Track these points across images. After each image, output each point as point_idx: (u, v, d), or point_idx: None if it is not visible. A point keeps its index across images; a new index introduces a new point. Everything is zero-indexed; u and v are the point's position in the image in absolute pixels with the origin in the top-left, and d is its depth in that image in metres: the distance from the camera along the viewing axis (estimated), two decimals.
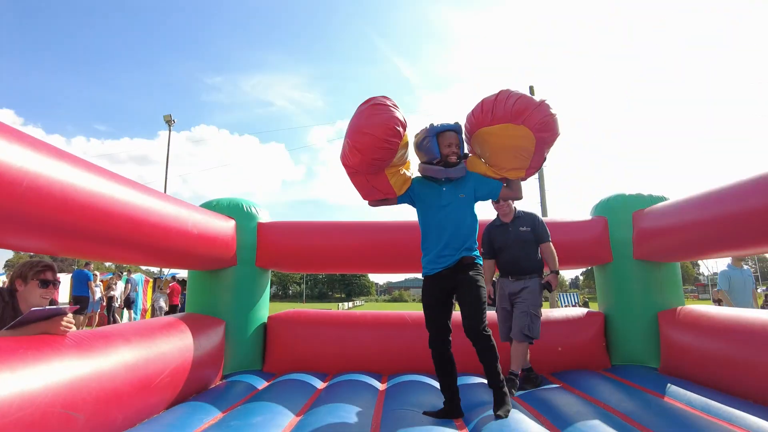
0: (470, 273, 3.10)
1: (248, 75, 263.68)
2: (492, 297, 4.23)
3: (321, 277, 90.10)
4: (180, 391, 3.45)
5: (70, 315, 2.61)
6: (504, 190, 3.32)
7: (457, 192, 3.22)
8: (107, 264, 21.58)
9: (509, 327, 4.16)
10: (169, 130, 26.78)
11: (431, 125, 3.24)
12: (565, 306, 23.72)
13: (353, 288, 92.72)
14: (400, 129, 2.85)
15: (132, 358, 2.92)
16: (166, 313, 13.81)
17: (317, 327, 4.93)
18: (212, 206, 4.74)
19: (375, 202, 3.34)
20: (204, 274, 4.75)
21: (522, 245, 4.21)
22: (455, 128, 3.23)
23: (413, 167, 3.43)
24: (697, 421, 2.81)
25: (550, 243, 4.21)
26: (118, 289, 14.23)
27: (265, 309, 5.07)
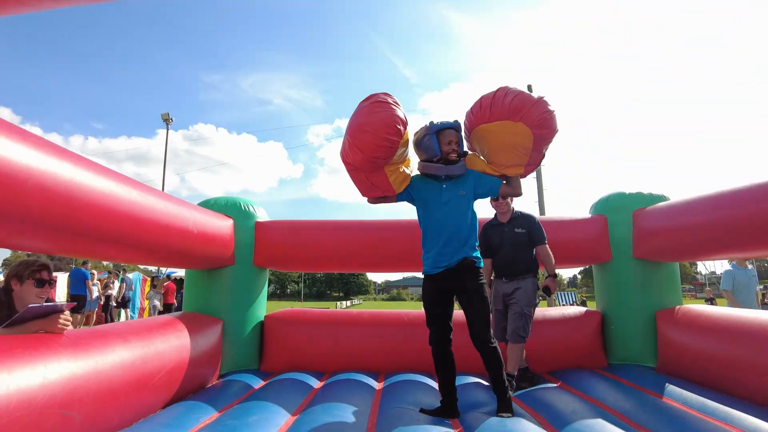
0: (474, 281, 3.10)
1: (246, 73, 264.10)
2: None
3: (319, 275, 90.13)
4: (177, 390, 3.44)
5: (67, 312, 2.61)
6: (503, 188, 3.33)
7: (457, 189, 3.23)
8: (104, 263, 21.55)
9: (504, 327, 4.16)
10: (167, 129, 26.75)
11: (431, 123, 3.25)
12: (563, 305, 23.74)
13: (351, 287, 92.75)
14: (401, 127, 2.85)
15: (129, 357, 2.92)
16: (161, 312, 13.79)
17: (314, 326, 4.92)
18: (210, 205, 4.73)
19: (374, 200, 3.34)
20: (201, 273, 4.74)
21: (516, 246, 4.19)
22: (455, 126, 3.25)
23: (413, 165, 3.43)
24: (693, 420, 2.82)
25: (547, 246, 4.18)
26: (116, 288, 14.20)
27: (263, 308, 5.06)
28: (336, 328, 4.92)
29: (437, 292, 3.19)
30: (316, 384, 4.16)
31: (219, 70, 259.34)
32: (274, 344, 4.84)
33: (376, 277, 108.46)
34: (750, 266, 6.26)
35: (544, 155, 3.22)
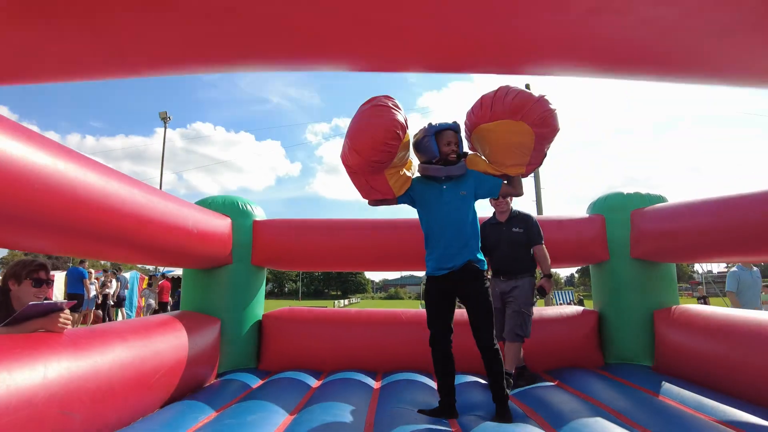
0: (479, 285, 3.10)
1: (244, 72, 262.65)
2: None
3: (317, 274, 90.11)
4: (175, 389, 3.44)
5: (67, 311, 2.61)
6: (504, 187, 3.32)
7: (458, 190, 3.22)
8: (102, 261, 21.48)
9: (501, 326, 4.17)
10: (165, 127, 26.67)
11: (429, 124, 3.24)
12: (560, 304, 23.78)
13: (349, 285, 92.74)
14: (400, 132, 2.84)
15: (128, 356, 2.92)
16: (156, 311, 13.80)
17: (312, 325, 4.92)
18: (208, 204, 4.72)
19: (374, 202, 3.33)
20: (199, 273, 4.74)
21: (513, 245, 4.20)
22: (454, 127, 3.24)
23: (415, 167, 3.42)
24: (689, 419, 2.83)
25: (543, 246, 4.18)
26: (113, 287, 14.18)
27: (260, 307, 5.06)
28: (334, 327, 4.93)
29: (440, 294, 3.18)
30: (314, 383, 4.17)
31: None
32: (272, 343, 4.84)
33: (374, 276, 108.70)
34: (755, 268, 6.23)
35: (545, 154, 3.20)
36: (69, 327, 2.62)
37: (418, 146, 3.25)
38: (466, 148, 3.38)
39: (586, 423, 2.77)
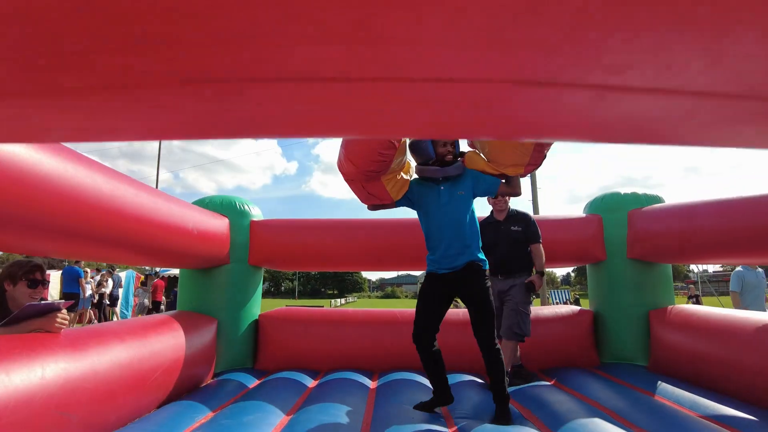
0: (481, 285, 3.08)
1: None
2: None
3: (314, 273, 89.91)
4: (172, 389, 3.44)
5: (64, 311, 2.61)
6: (503, 187, 3.30)
7: (455, 190, 3.21)
8: (102, 262, 21.40)
9: (499, 324, 4.18)
10: None
11: None
12: (556, 303, 23.86)
13: (346, 284, 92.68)
14: (395, 141, 2.81)
15: (126, 356, 2.92)
16: (150, 310, 13.78)
17: (308, 325, 4.92)
18: (205, 204, 4.72)
19: (373, 207, 3.32)
20: (196, 272, 4.73)
21: (512, 244, 4.22)
22: None
23: (413, 169, 3.41)
24: (684, 418, 2.85)
25: (540, 245, 4.21)
26: (110, 286, 14.14)
27: (257, 307, 5.06)
28: (330, 326, 4.93)
29: (438, 292, 3.17)
30: (311, 383, 4.17)
31: None
32: (269, 343, 4.84)
33: (371, 275, 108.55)
34: (760, 269, 6.15)
35: (545, 155, 3.16)
36: (66, 327, 2.62)
37: (414, 148, 3.23)
38: (465, 146, 3.37)
39: (583, 423, 2.79)
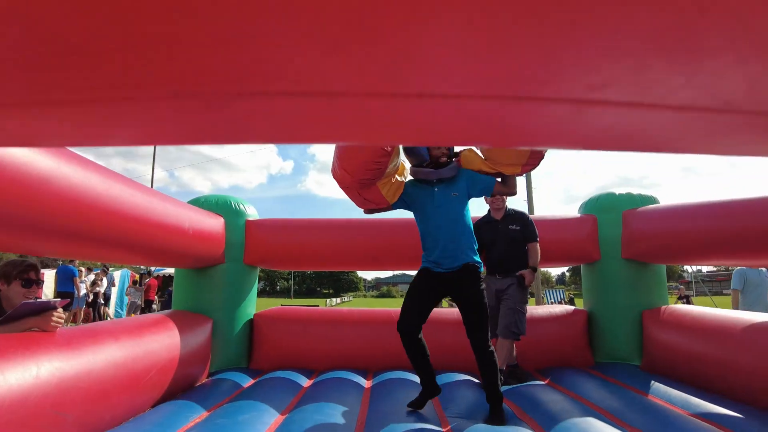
0: (475, 286, 3.07)
1: None
2: None
3: (309, 273, 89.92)
4: (167, 389, 3.45)
5: (60, 310, 2.61)
6: (498, 186, 3.29)
7: (450, 191, 3.19)
8: (96, 261, 21.30)
9: (495, 324, 4.20)
10: None
11: None
12: (551, 302, 23.93)
13: (341, 284, 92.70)
14: (388, 148, 2.78)
15: (121, 356, 2.92)
16: (143, 309, 13.79)
17: (303, 324, 4.93)
18: (200, 203, 4.72)
19: (369, 211, 3.31)
20: (191, 272, 4.74)
21: (511, 243, 4.24)
22: None
23: (408, 170, 3.40)
24: (676, 417, 2.88)
25: (537, 243, 4.24)
26: (104, 285, 14.12)
27: (252, 306, 5.06)
28: (325, 326, 4.94)
29: (430, 288, 3.16)
30: (306, 382, 4.18)
31: None
32: (264, 342, 4.85)
33: (366, 274, 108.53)
34: (763, 269, 6.00)
35: (543, 156, 3.14)
36: (62, 326, 2.62)
37: (409, 150, 3.22)
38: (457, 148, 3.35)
39: (576, 422, 2.81)
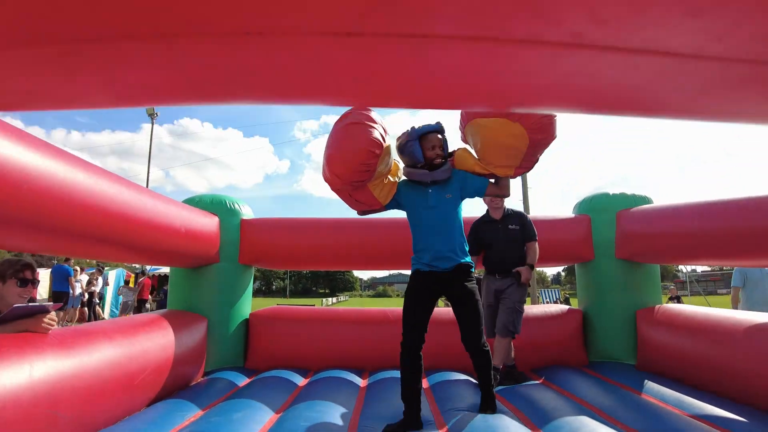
0: (468, 285, 3.04)
1: None
2: None
3: (305, 272, 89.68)
4: (162, 388, 3.45)
5: (52, 313, 2.59)
6: (491, 187, 3.25)
7: (444, 193, 3.15)
8: (90, 260, 21.24)
9: (493, 323, 4.21)
10: (152, 123, 26.44)
11: (413, 128, 3.15)
12: (546, 302, 23.98)
13: (337, 283, 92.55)
14: (377, 150, 2.76)
15: (115, 355, 2.92)
16: (137, 309, 13.75)
17: (299, 324, 4.94)
18: (195, 202, 4.71)
19: (363, 212, 3.27)
20: (186, 271, 4.73)
21: (510, 243, 4.25)
22: (438, 128, 3.16)
23: (401, 170, 3.34)
24: (669, 416, 2.90)
25: (536, 243, 4.26)
26: (99, 285, 14.06)
27: (248, 306, 5.06)
28: (321, 325, 4.94)
29: (425, 291, 3.08)
30: (301, 381, 4.18)
31: None
32: (259, 342, 4.85)
33: (362, 274, 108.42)
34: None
35: (537, 159, 3.10)
36: (55, 328, 2.61)
37: (402, 151, 3.17)
38: (459, 143, 3.32)
39: (569, 421, 2.82)
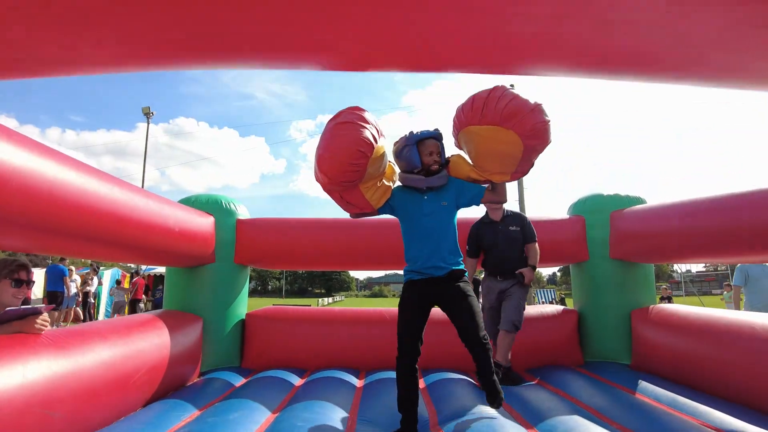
0: (462, 285, 2.96)
1: None
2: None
3: (301, 272, 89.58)
4: (157, 388, 3.44)
5: (45, 314, 2.58)
6: (487, 194, 3.19)
7: (439, 200, 3.09)
8: (83, 259, 21.16)
9: (495, 324, 4.22)
10: (148, 123, 26.36)
11: (411, 133, 3.11)
12: (542, 302, 24.05)
13: (333, 283, 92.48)
14: (365, 150, 2.70)
15: (109, 355, 2.92)
16: (131, 309, 13.73)
17: (295, 324, 4.94)
18: (191, 202, 4.71)
19: (355, 215, 3.23)
20: (182, 271, 4.73)
21: (511, 244, 4.27)
22: (436, 135, 3.10)
23: (397, 174, 3.29)
24: (663, 416, 2.92)
25: (536, 244, 4.29)
26: (94, 285, 14.02)
27: (244, 306, 5.06)
28: (317, 325, 4.95)
29: (419, 300, 3.00)
30: (298, 381, 4.18)
31: None
32: (255, 342, 4.85)
33: (358, 274, 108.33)
34: (766, 264, 5.82)
35: (533, 164, 3.07)
36: (47, 329, 2.60)
37: (399, 156, 3.12)
38: (453, 149, 3.26)
39: (563, 420, 2.84)
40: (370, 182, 2.99)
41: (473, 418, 2.87)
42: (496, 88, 2.89)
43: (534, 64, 2.50)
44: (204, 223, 4.44)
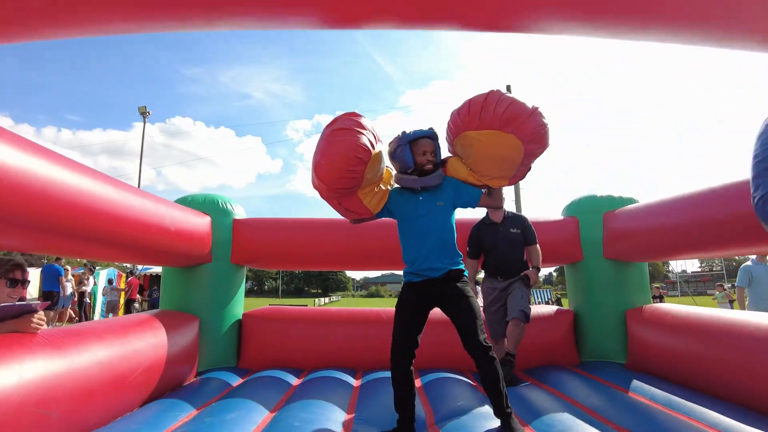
0: (460, 285, 2.91)
1: (227, 67, 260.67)
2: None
3: (297, 272, 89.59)
4: (154, 388, 3.44)
5: (41, 312, 2.58)
6: (484, 199, 3.14)
7: (435, 200, 3.04)
8: (78, 258, 21.07)
9: (498, 325, 4.23)
10: (144, 122, 26.31)
11: (403, 133, 3.06)
12: (538, 302, 24.08)
13: (330, 283, 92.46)
14: (362, 156, 2.68)
15: (106, 355, 2.92)
16: (127, 309, 13.71)
17: (292, 324, 4.95)
18: (187, 202, 4.71)
19: (354, 221, 3.19)
20: (178, 271, 4.73)
21: (511, 246, 4.29)
22: (429, 134, 3.06)
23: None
24: (658, 415, 2.93)
25: (537, 245, 4.31)
26: (90, 285, 13.97)
27: (240, 305, 5.06)
28: (314, 325, 4.96)
29: (417, 302, 2.96)
30: (295, 381, 4.19)
31: (199, 63, 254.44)
32: (252, 342, 4.85)
33: (355, 274, 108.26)
34: None
35: (530, 168, 3.04)
36: (43, 328, 2.60)
37: (393, 156, 3.08)
38: (446, 153, 3.21)
39: (558, 420, 2.85)
40: (367, 188, 2.97)
41: (470, 418, 2.89)
42: (492, 92, 2.86)
43: (530, 16, 2.41)
44: (200, 222, 4.44)
